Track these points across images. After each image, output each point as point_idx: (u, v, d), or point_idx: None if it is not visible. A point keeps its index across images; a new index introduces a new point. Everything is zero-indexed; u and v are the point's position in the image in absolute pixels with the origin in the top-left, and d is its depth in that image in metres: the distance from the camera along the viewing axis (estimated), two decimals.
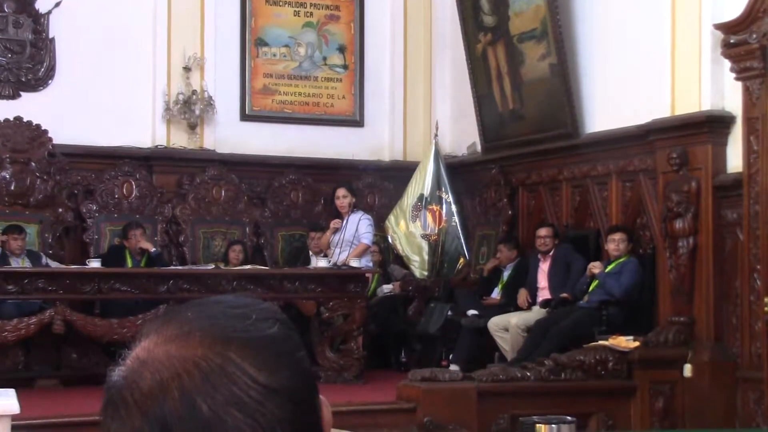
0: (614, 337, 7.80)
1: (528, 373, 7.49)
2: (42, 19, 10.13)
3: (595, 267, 8.45)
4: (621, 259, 8.40)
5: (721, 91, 7.87)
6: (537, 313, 8.76)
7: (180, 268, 9.25)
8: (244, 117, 10.99)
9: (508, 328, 8.71)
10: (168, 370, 1.01)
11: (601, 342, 7.80)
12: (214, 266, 9.17)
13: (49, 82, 10.19)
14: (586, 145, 9.36)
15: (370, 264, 9.52)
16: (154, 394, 1.00)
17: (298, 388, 1.03)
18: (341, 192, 9.57)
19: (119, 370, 1.04)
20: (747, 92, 7.56)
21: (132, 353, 1.05)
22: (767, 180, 7.37)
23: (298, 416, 1.02)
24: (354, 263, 8.96)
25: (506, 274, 9.54)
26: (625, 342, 7.70)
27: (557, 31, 9.37)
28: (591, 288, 8.47)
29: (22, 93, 10.07)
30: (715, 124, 7.93)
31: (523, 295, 9.05)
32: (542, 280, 9.05)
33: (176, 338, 1.03)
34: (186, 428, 0.99)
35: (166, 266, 9.16)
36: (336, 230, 9.49)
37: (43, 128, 9.85)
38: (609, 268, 8.41)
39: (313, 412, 1.05)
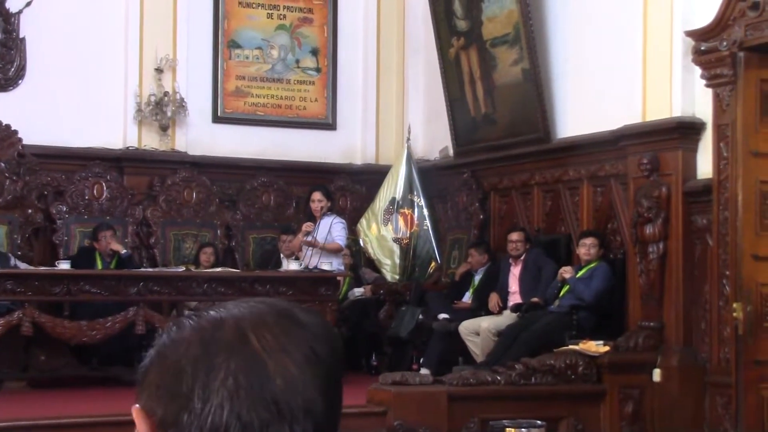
0: (584, 341, 7.82)
1: (498, 377, 7.50)
2: (12, 19, 10.06)
3: (566, 272, 8.48)
4: (592, 264, 8.44)
5: (692, 97, 7.92)
6: (508, 317, 8.78)
7: (150, 270, 9.20)
8: (216, 119, 10.95)
9: (479, 332, 8.72)
10: (231, 315, 1.11)
11: (571, 346, 7.82)
12: (185, 268, 9.13)
13: (19, 81, 10.11)
14: (557, 150, 9.40)
15: (342, 267, 9.50)
16: (213, 324, 1.10)
17: (335, 366, 1.12)
18: (317, 195, 9.55)
19: (184, 318, 1.14)
20: (717, 99, 7.62)
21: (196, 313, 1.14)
22: (736, 186, 7.42)
23: (327, 390, 1.10)
24: (325, 266, 8.94)
25: (477, 279, 9.56)
26: (595, 347, 7.74)
27: (530, 37, 9.39)
28: (562, 293, 8.50)
29: None
30: (686, 131, 7.98)
31: (494, 300, 9.07)
32: (513, 285, 9.07)
33: (242, 305, 1.14)
34: (230, 354, 1.07)
35: (137, 268, 9.10)
36: (308, 233, 9.47)
37: (12, 128, 9.78)
38: (580, 273, 8.44)
39: (338, 391, 1.13)
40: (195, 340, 1.08)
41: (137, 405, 1.10)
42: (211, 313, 1.12)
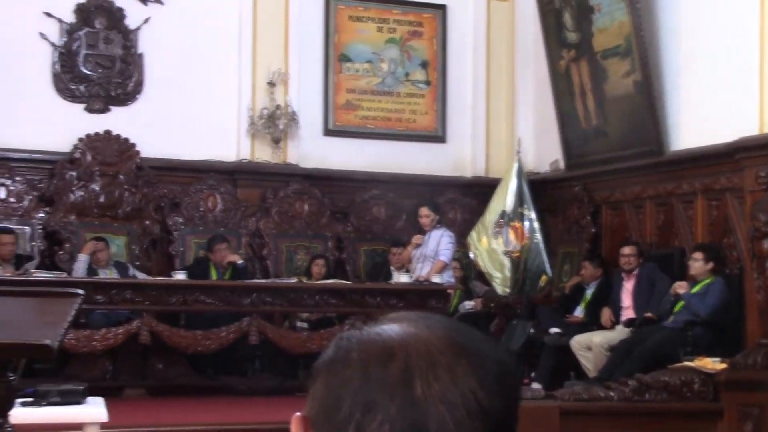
0: (700, 358, 7.68)
1: (611, 393, 7.41)
2: (131, 35, 10.34)
3: (681, 287, 8.35)
4: (707, 280, 8.28)
5: None
6: (620, 332, 8.68)
7: (263, 281, 9.33)
8: (327, 132, 11.07)
9: (591, 346, 8.64)
10: (400, 343, 1.04)
11: (686, 363, 7.69)
12: (296, 280, 9.24)
13: (138, 96, 10.38)
14: (670, 162, 9.26)
15: (452, 280, 9.51)
16: (380, 358, 1.04)
17: (505, 419, 1.05)
18: (424, 211, 9.60)
19: (353, 334, 1.09)
20: None
21: (367, 327, 1.09)
22: None
23: None
24: (436, 279, 8.96)
25: (589, 292, 9.47)
26: (712, 363, 7.58)
27: (642, 48, 9.29)
28: (676, 308, 8.37)
29: (111, 107, 10.27)
30: None
31: (606, 314, 8.97)
32: (626, 299, 8.96)
33: (418, 325, 1.07)
34: (392, 397, 1.01)
35: (251, 279, 9.25)
36: (418, 245, 9.50)
37: (131, 142, 10.05)
38: (695, 289, 8.30)
39: None
40: (358, 372, 1.04)
41: (299, 414, 1.09)
42: (382, 336, 1.06)
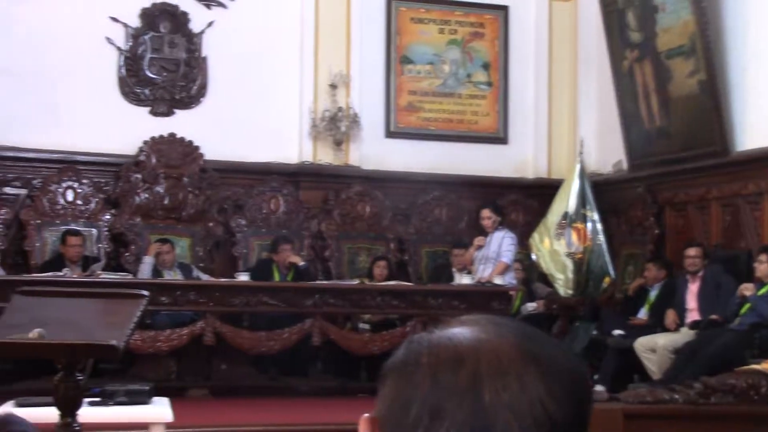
0: (767, 361, 7.57)
1: (676, 396, 7.32)
2: (195, 39, 10.44)
3: (747, 289, 8.23)
4: None
5: None
6: (685, 334, 8.58)
7: (326, 282, 9.37)
8: (389, 134, 11.09)
9: (655, 348, 8.56)
10: (471, 349, 1.04)
11: (753, 366, 7.58)
12: (359, 281, 9.27)
13: (201, 99, 10.48)
14: (736, 163, 9.15)
15: (514, 281, 9.48)
16: (449, 364, 1.03)
17: (574, 428, 1.04)
18: (486, 213, 9.58)
19: (424, 337, 1.08)
20: None
21: (439, 330, 1.09)
22: None
23: None
24: (498, 280, 8.94)
25: (653, 294, 9.38)
26: None
27: (707, 47, 9.18)
28: (742, 310, 8.26)
29: (175, 110, 10.39)
30: None
31: (671, 316, 8.88)
32: (691, 301, 8.86)
33: (489, 330, 1.06)
34: (459, 403, 1.01)
35: (313, 280, 9.29)
36: (479, 247, 9.49)
37: (195, 144, 10.15)
38: (761, 291, 8.18)
39: None
40: (428, 377, 1.04)
41: (368, 415, 1.08)
42: (453, 341, 1.06)
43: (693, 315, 8.77)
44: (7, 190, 9.81)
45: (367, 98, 10.83)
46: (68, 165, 9.87)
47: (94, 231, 9.78)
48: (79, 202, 9.80)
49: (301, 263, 9.51)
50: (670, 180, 10.02)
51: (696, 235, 9.59)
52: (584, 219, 10.49)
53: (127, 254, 9.73)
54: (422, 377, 1.04)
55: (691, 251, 8.95)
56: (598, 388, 8.31)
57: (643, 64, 10.17)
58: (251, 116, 10.44)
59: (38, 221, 9.64)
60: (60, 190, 9.76)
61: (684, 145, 9.73)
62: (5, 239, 9.48)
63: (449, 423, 1.01)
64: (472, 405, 1.01)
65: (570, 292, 10.37)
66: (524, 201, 11.16)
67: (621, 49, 10.41)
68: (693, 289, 8.89)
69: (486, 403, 1.01)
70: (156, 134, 10.09)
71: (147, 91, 10.30)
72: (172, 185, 10.02)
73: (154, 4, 10.31)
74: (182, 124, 10.26)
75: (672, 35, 9.70)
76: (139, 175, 9.97)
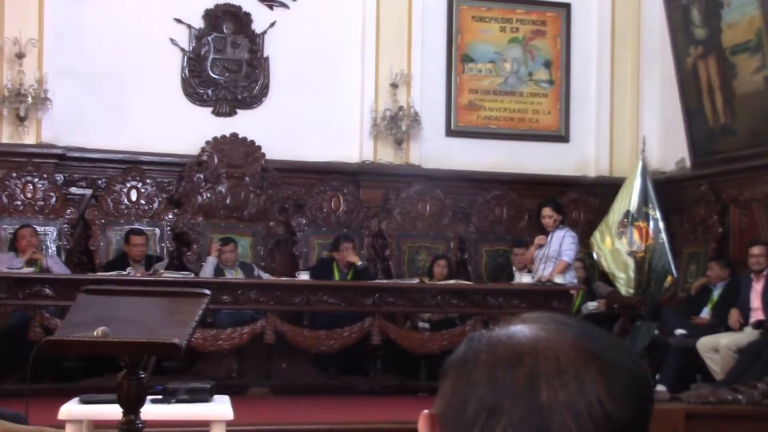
0: None
1: (739, 396, 7.25)
2: (258, 39, 10.53)
3: None
4: None
5: None
6: (749, 334, 8.48)
7: (385, 281, 9.39)
8: (450, 132, 11.08)
9: (718, 348, 8.47)
10: (529, 347, 1.04)
11: None
12: (419, 280, 9.28)
13: (263, 99, 10.56)
14: None
15: (575, 280, 9.43)
16: (507, 362, 1.03)
17: (633, 428, 1.03)
18: (547, 211, 9.53)
19: (484, 335, 1.09)
20: None
21: (499, 328, 1.09)
22: None
23: None
24: (558, 279, 8.90)
25: (716, 293, 9.28)
26: None
27: None
28: None
29: (237, 110, 10.48)
30: None
31: (735, 316, 8.77)
32: (755, 300, 8.75)
33: (549, 328, 1.06)
34: (516, 402, 1.01)
35: (372, 280, 9.32)
36: (540, 246, 9.45)
37: (256, 144, 10.22)
38: None
39: None
40: (486, 374, 1.04)
41: (428, 411, 1.08)
42: (512, 340, 1.06)
43: (757, 314, 8.66)
44: (73, 190, 9.97)
45: (428, 97, 10.84)
46: (132, 165, 10.00)
47: (157, 230, 9.90)
48: (142, 201, 9.92)
49: (359, 263, 9.54)
50: (735, 178, 9.90)
51: (761, 234, 9.46)
52: (646, 217, 10.40)
53: (189, 253, 9.84)
54: (480, 375, 1.04)
55: (756, 249, 8.84)
56: (660, 388, 8.23)
57: (708, 60, 10.06)
58: (312, 116, 10.50)
59: (103, 221, 9.78)
60: (124, 190, 9.89)
61: (749, 143, 9.62)
62: (71, 239, 9.64)
63: (506, 421, 1.01)
64: (529, 403, 1.00)
65: (631, 291, 10.29)
66: (585, 199, 11.09)
67: (685, 45, 10.31)
68: (757, 288, 8.77)
69: (543, 402, 1.00)
70: (218, 134, 10.18)
71: (210, 92, 10.41)
72: (234, 185, 10.11)
73: (217, 5, 10.41)
74: (244, 124, 10.35)
75: (737, 31, 9.58)
76: (201, 175, 10.07)
